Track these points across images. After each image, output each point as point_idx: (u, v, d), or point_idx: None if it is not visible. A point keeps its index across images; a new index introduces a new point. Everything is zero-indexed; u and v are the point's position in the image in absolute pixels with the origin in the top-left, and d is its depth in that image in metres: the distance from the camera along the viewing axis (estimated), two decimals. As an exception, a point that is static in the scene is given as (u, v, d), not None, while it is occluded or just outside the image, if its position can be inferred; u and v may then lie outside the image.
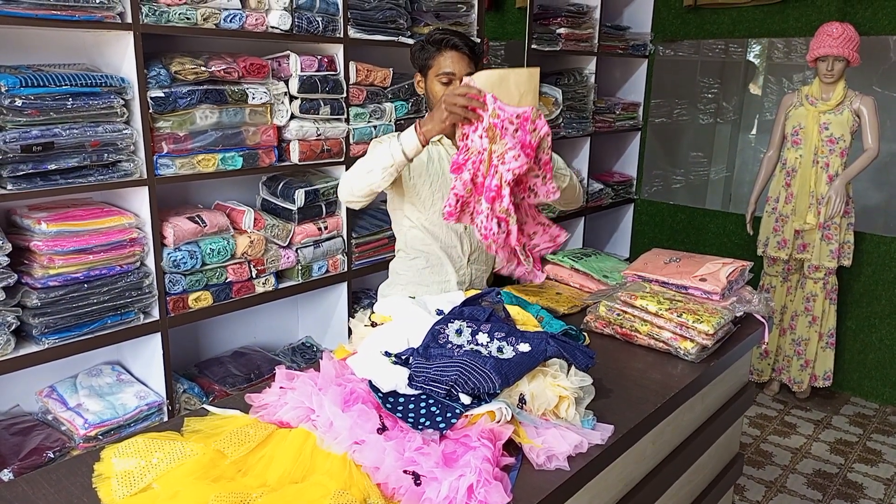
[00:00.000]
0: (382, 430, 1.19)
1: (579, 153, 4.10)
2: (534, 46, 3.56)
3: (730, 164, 4.47)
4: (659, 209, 4.59)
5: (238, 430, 1.21)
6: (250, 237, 2.46)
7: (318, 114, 2.59)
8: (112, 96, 2.06)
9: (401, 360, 1.37)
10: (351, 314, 2.85)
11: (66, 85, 1.96)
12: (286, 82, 2.50)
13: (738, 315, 1.88)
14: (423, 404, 1.25)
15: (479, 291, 1.63)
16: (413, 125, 1.75)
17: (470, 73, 1.72)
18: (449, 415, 1.22)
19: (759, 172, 3.70)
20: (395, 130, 2.78)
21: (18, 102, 1.88)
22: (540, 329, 1.59)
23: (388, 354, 1.39)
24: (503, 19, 4.48)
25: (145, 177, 2.17)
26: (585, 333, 1.74)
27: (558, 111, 3.68)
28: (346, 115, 2.69)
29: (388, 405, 1.24)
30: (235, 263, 2.45)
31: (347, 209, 2.79)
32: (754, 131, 4.33)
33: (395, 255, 2.19)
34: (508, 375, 1.28)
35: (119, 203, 2.27)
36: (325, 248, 2.75)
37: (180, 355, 2.62)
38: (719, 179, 4.52)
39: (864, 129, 3.31)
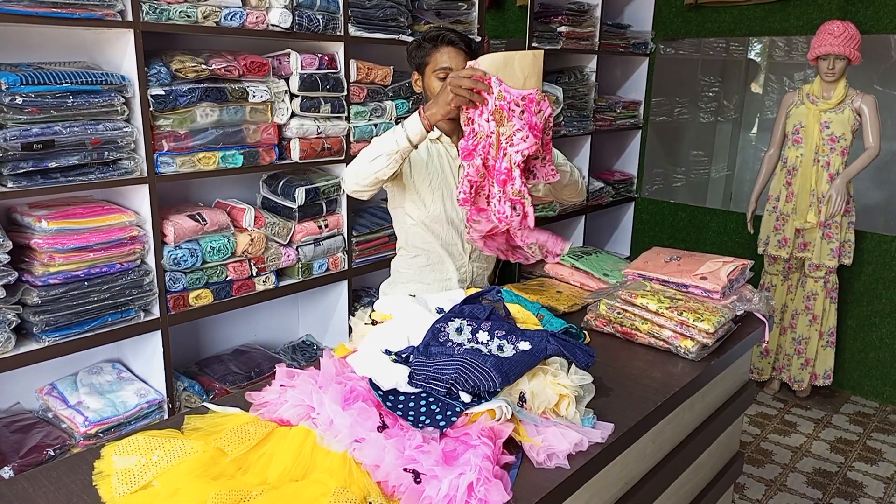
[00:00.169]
0: (382, 428, 1.19)
1: (580, 151, 4.10)
2: (534, 44, 3.56)
3: (730, 162, 4.46)
4: (660, 208, 4.59)
5: (238, 427, 1.21)
6: (251, 235, 2.46)
7: (318, 112, 2.59)
8: (112, 94, 2.06)
9: (401, 358, 1.37)
10: (351, 312, 2.85)
11: (66, 83, 1.96)
12: (287, 80, 2.50)
13: (738, 314, 1.87)
14: (423, 402, 1.25)
15: (480, 289, 1.63)
16: (417, 111, 1.75)
17: None
18: (449, 413, 1.22)
19: (759, 171, 3.70)
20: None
21: (19, 100, 1.88)
22: (540, 327, 1.59)
23: (388, 352, 1.39)
24: (504, 17, 4.47)
25: (146, 175, 2.17)
26: (586, 332, 1.74)
27: (559, 109, 3.67)
28: (346, 114, 2.69)
29: (389, 403, 1.24)
30: (236, 261, 2.45)
31: (348, 207, 2.79)
32: (755, 130, 4.33)
33: (396, 254, 2.19)
34: (509, 374, 1.28)
35: (119, 201, 2.27)
36: (325, 246, 2.75)
37: (180, 353, 2.63)
38: (720, 178, 4.51)
39: (864, 128, 3.30)
